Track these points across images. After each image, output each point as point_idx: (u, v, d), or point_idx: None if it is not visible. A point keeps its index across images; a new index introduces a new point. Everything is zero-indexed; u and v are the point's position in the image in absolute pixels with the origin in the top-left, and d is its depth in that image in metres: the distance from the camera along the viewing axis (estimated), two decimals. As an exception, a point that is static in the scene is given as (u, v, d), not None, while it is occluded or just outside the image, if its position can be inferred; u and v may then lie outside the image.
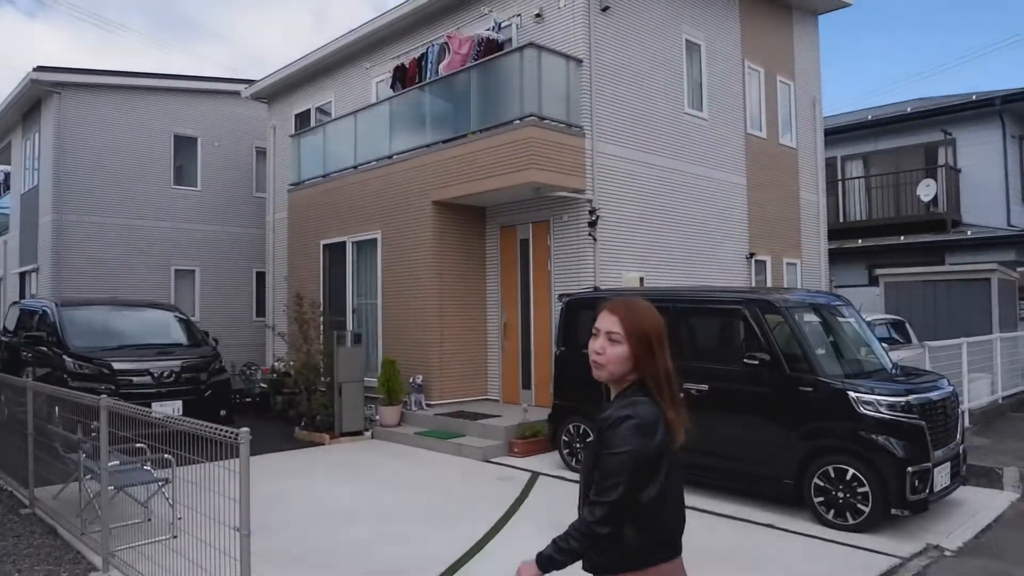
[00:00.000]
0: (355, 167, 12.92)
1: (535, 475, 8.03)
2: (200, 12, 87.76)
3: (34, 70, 16.48)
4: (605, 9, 10.64)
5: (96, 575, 5.03)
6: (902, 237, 17.81)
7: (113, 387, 8.80)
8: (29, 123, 18.89)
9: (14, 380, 7.25)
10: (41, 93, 17.33)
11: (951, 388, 6.76)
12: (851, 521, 5.99)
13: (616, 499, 2.15)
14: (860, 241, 18.42)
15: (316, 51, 15.02)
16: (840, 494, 6.05)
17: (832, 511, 6.10)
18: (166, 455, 5.07)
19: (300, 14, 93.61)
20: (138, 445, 5.28)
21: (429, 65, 11.95)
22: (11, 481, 7.31)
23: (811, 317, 7.09)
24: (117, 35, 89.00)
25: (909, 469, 5.79)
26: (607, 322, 2.28)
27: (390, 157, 12.17)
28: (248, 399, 13.41)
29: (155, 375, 9.61)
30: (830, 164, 18.40)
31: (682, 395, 2.33)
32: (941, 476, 6.10)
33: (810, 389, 6.33)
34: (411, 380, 10.84)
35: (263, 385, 13.68)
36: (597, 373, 2.29)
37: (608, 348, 2.25)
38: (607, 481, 2.16)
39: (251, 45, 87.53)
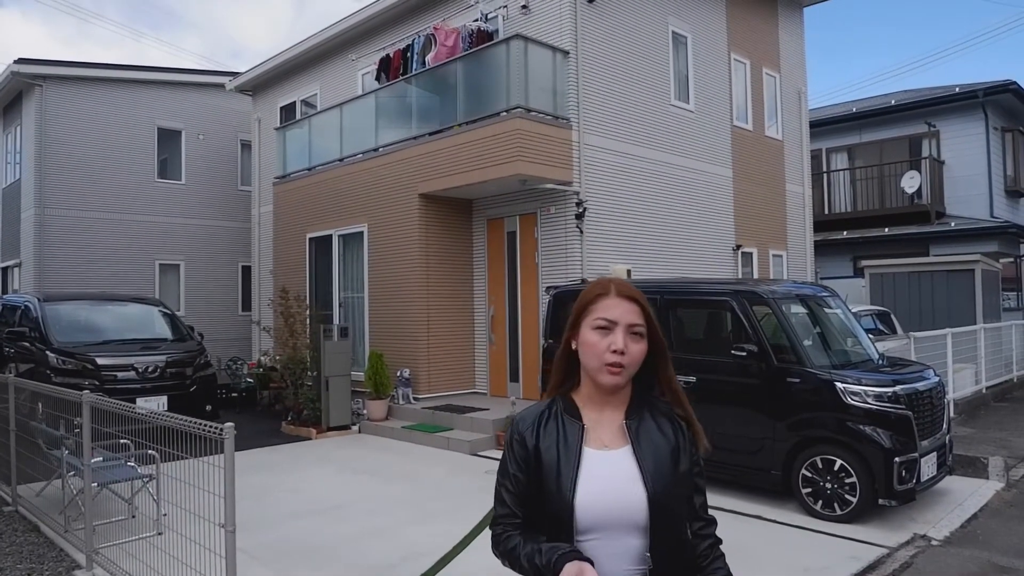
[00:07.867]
0: (341, 160, 12.84)
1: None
2: (177, 0, 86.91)
3: (15, 62, 16.27)
4: (592, 0, 10.61)
5: (80, 573, 4.97)
6: (887, 229, 17.89)
7: (97, 382, 8.71)
8: (10, 116, 18.65)
9: (-5, 376, 7.15)
10: (22, 86, 17.10)
11: (937, 378, 6.79)
12: (839, 512, 6.02)
13: None
14: (845, 233, 18.48)
15: (301, 43, 14.89)
16: (828, 485, 6.07)
17: (820, 502, 6.13)
18: (150, 451, 5.01)
19: (281, 2, 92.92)
20: (122, 441, 5.23)
21: (415, 56, 11.89)
22: (-7, 478, 7.23)
23: (798, 308, 7.10)
24: (92, 25, 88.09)
25: (896, 459, 5.81)
26: (626, 312, 1.76)
27: (376, 150, 12.10)
28: (234, 394, 13.36)
29: (140, 370, 9.52)
30: (815, 156, 18.44)
31: None
32: (928, 466, 6.14)
33: (797, 380, 6.34)
34: (398, 374, 10.80)
35: (249, 380, 13.61)
36: (613, 380, 1.75)
37: (632, 345, 1.75)
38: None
39: (229, 35, 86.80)
